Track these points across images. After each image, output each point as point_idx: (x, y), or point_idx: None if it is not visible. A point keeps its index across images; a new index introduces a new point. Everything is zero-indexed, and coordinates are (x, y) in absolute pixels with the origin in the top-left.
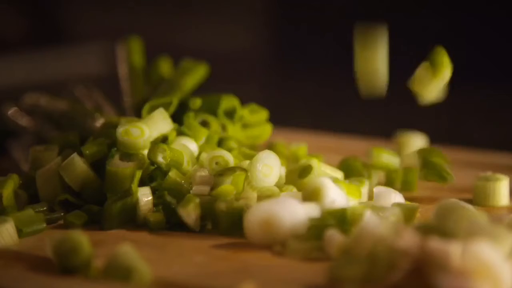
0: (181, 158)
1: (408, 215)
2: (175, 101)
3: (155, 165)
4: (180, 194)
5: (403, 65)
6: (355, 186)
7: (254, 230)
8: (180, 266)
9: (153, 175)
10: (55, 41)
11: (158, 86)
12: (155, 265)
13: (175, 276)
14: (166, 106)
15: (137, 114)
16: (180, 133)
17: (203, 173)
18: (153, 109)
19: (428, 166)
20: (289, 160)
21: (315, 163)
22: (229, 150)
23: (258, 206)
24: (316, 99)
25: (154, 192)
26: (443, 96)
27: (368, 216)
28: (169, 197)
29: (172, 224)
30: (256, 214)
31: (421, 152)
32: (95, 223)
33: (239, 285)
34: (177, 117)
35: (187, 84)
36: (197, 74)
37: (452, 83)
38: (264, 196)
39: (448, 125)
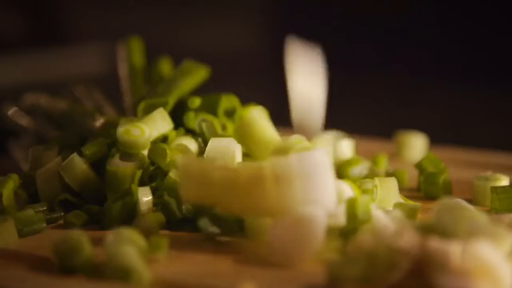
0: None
1: (409, 214)
2: (171, 100)
3: (155, 165)
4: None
5: (403, 65)
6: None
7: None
8: (180, 266)
9: (153, 175)
10: (55, 41)
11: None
12: (155, 265)
13: (175, 276)
14: (162, 106)
15: (137, 114)
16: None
17: None
18: (148, 107)
19: (428, 181)
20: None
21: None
22: None
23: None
24: None
25: (154, 192)
26: None
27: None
28: (168, 197)
29: (172, 224)
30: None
31: (420, 165)
32: (95, 223)
33: (239, 285)
34: (177, 117)
35: (186, 85)
36: (196, 75)
37: (453, 83)
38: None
39: (448, 125)
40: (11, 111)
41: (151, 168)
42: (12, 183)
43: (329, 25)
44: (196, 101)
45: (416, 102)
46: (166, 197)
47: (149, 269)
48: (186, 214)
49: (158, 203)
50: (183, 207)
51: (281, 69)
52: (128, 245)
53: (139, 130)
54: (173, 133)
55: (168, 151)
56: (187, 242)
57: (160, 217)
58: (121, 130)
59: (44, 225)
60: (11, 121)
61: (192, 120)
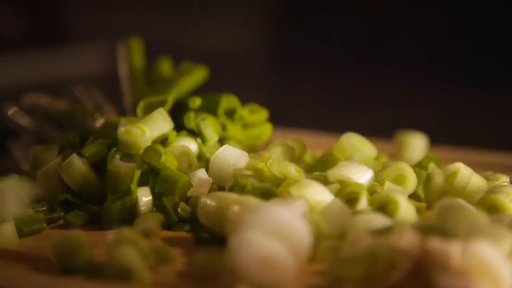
0: (175, 160)
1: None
2: (170, 99)
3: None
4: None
5: (403, 65)
6: None
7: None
8: (180, 266)
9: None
10: (55, 41)
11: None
12: (155, 265)
13: (174, 277)
14: (160, 105)
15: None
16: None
17: (203, 175)
18: (147, 106)
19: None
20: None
21: None
22: None
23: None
24: (316, 99)
25: (154, 192)
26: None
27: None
28: (166, 199)
29: (171, 224)
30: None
31: (420, 165)
32: (95, 223)
33: (237, 286)
34: (177, 117)
35: (185, 85)
36: (195, 76)
37: (452, 83)
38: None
39: (448, 125)
40: (11, 111)
41: (149, 168)
42: None
43: (329, 26)
44: (196, 101)
45: (416, 102)
46: (164, 200)
47: (148, 269)
48: (183, 216)
49: (156, 204)
50: (179, 209)
51: (280, 69)
52: (128, 246)
53: (140, 131)
54: (174, 133)
55: (162, 153)
56: (187, 243)
57: (159, 217)
58: (121, 130)
59: (44, 225)
60: (11, 121)
61: (192, 120)
